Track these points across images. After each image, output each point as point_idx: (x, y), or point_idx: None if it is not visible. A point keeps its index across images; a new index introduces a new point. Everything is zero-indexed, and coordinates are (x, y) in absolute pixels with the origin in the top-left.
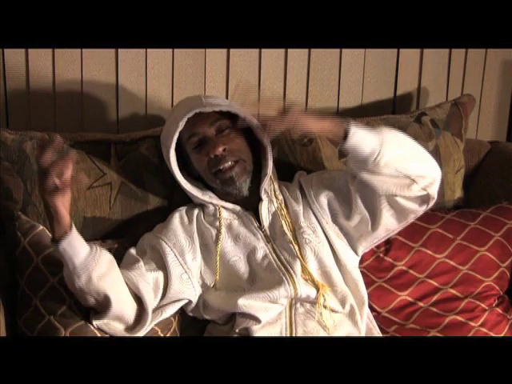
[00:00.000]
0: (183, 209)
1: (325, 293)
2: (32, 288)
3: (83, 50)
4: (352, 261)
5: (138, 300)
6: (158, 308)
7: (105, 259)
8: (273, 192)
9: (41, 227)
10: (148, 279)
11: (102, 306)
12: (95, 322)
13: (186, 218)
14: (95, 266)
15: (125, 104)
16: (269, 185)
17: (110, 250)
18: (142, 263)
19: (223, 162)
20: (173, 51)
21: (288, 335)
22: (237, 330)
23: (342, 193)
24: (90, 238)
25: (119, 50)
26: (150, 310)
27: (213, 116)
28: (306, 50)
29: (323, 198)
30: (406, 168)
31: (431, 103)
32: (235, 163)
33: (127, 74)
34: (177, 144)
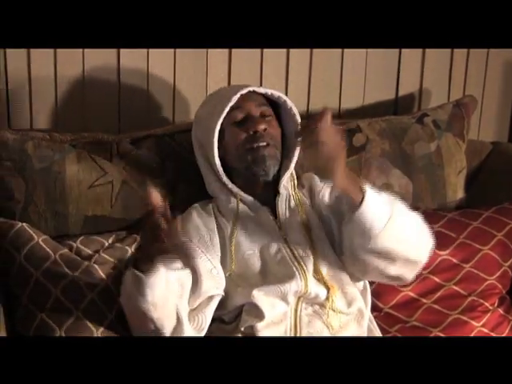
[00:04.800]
0: (197, 205)
1: (334, 295)
2: (19, 287)
3: (85, 50)
4: None
5: None
6: (196, 313)
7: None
8: (292, 188)
9: (19, 224)
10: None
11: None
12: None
13: (204, 213)
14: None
15: (126, 104)
16: (288, 181)
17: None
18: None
19: (260, 139)
20: (174, 51)
21: (292, 336)
22: (242, 329)
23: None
24: None
25: (121, 50)
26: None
27: (260, 99)
28: (308, 50)
29: (328, 217)
30: (401, 250)
31: (433, 104)
32: (269, 145)
33: (129, 74)
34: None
